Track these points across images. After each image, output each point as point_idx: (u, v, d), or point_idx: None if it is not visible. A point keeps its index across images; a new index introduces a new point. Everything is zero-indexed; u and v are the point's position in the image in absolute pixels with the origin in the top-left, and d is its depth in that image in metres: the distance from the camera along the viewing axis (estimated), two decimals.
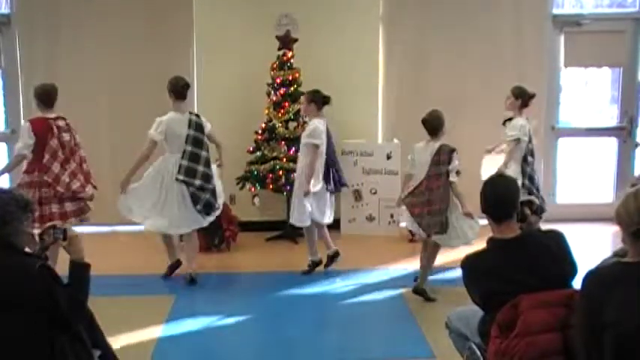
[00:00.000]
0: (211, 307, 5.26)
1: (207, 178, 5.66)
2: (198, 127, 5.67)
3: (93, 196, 5.59)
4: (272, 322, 5.00)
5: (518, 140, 5.72)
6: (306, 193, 5.68)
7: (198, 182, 5.60)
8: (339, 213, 6.82)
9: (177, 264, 5.94)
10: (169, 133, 5.60)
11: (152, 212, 5.65)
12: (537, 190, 5.86)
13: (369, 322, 5.13)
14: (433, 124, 5.32)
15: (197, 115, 5.78)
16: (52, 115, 5.45)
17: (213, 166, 5.79)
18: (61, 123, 5.49)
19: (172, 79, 5.70)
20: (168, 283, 5.88)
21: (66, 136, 5.50)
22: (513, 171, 5.55)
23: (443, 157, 5.25)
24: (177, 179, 5.57)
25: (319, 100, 5.78)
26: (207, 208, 5.69)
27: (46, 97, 5.46)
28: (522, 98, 5.77)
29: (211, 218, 5.83)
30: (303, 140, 5.81)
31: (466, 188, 5.27)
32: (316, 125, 5.74)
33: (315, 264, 6.01)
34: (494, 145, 6.04)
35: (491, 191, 3.30)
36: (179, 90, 5.66)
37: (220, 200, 5.85)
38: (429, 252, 5.41)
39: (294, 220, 5.87)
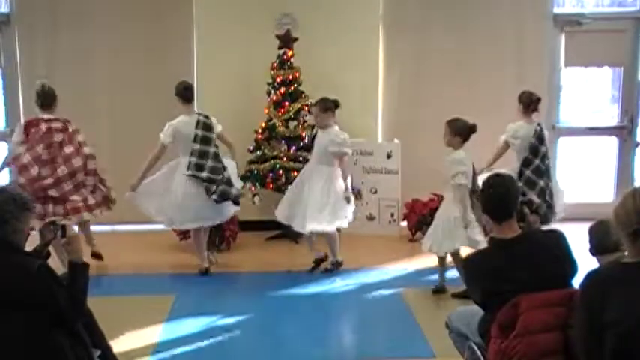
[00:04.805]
0: (211, 307, 5.25)
1: (216, 170, 5.82)
2: (206, 127, 5.86)
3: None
4: (272, 321, 5.00)
5: (506, 143, 5.87)
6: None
7: (204, 175, 5.75)
8: None
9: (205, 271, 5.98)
10: (179, 136, 5.77)
11: (163, 208, 5.80)
12: (542, 196, 5.83)
13: (369, 322, 5.13)
14: None
15: (206, 117, 5.92)
16: (48, 117, 5.64)
17: (232, 163, 6.03)
18: (55, 125, 5.61)
19: (177, 84, 5.89)
20: (168, 282, 5.88)
21: (57, 138, 5.61)
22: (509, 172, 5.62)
23: None
24: (186, 175, 5.74)
25: (332, 106, 5.83)
26: (224, 196, 5.79)
27: (42, 97, 5.66)
28: (525, 103, 5.87)
29: (236, 207, 5.99)
30: (335, 149, 5.78)
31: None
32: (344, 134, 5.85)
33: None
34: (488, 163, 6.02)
35: (492, 191, 3.30)
36: (182, 93, 5.84)
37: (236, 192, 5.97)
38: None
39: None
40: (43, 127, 5.58)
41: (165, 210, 5.81)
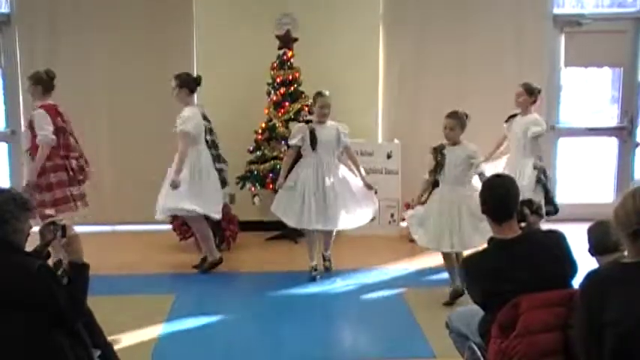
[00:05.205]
0: (211, 307, 5.26)
1: (224, 158, 6.11)
2: (206, 118, 5.98)
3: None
4: (272, 321, 5.00)
5: (541, 134, 5.88)
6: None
7: (225, 166, 6.06)
8: None
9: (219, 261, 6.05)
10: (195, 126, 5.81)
11: (195, 200, 5.77)
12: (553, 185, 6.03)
13: (369, 322, 5.13)
14: None
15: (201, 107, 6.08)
16: (53, 102, 5.54)
17: None
18: (61, 109, 5.59)
19: (184, 75, 5.90)
20: (168, 282, 5.88)
21: (70, 124, 5.64)
22: (529, 166, 5.69)
23: None
24: (217, 168, 5.91)
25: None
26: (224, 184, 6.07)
27: (49, 82, 5.53)
28: (534, 94, 5.92)
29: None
30: (348, 139, 5.87)
31: None
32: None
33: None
34: (490, 153, 6.07)
35: (492, 192, 3.31)
36: (188, 84, 5.86)
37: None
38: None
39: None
40: (60, 111, 5.53)
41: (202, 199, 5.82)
